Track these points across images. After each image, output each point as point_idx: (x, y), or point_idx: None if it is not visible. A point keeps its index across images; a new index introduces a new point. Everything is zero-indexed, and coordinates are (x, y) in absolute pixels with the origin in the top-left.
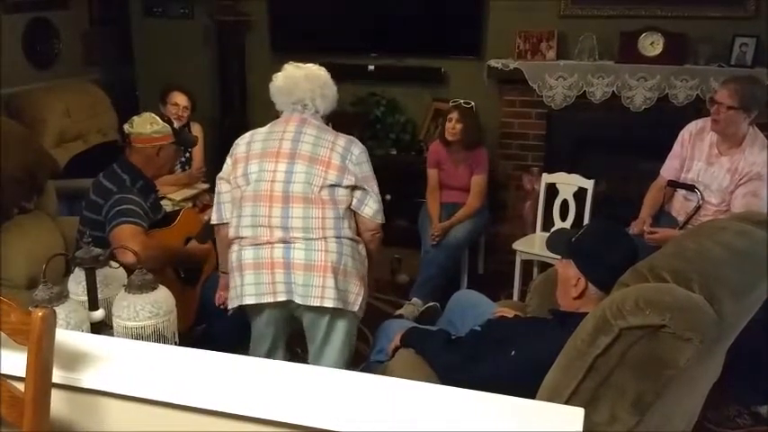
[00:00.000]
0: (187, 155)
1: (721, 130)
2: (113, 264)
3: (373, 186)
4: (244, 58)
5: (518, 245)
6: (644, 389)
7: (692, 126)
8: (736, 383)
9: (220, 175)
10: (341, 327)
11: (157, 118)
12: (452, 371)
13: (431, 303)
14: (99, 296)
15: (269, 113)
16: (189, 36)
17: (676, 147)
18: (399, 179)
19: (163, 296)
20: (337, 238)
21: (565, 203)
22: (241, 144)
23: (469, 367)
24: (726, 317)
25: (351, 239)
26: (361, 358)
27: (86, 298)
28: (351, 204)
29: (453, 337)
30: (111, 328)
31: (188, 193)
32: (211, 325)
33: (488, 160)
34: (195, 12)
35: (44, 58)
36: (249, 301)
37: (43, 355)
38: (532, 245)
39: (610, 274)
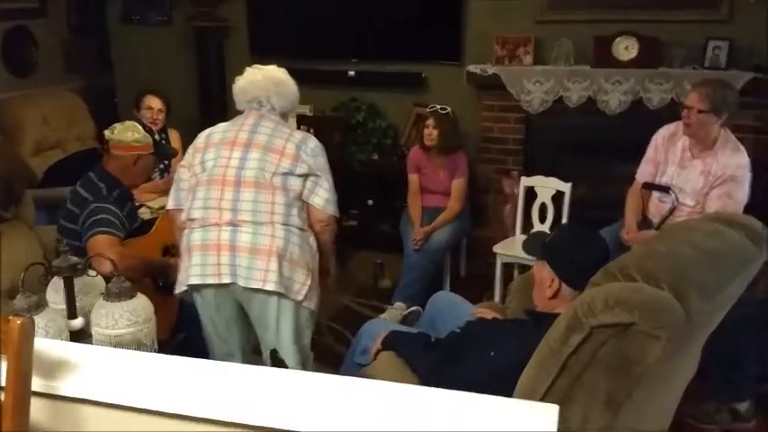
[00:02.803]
0: (165, 162)
1: (693, 133)
2: (91, 272)
3: (327, 178)
4: (223, 63)
5: (498, 248)
6: (615, 387)
7: (664, 130)
8: (714, 381)
9: (182, 162)
10: (289, 315)
11: (139, 127)
12: (433, 372)
13: (414, 307)
14: (78, 304)
15: None
16: (168, 43)
17: (650, 151)
18: (381, 184)
19: (141, 304)
20: (285, 225)
21: (543, 206)
22: (202, 136)
23: (450, 369)
24: (695, 315)
25: (299, 228)
26: (339, 360)
27: (65, 306)
28: (302, 194)
29: (433, 340)
30: (91, 336)
31: (166, 200)
32: (192, 333)
33: (468, 164)
34: (174, 19)
35: (23, 66)
36: (194, 281)
37: (22, 364)
38: (512, 248)
39: (581, 273)
